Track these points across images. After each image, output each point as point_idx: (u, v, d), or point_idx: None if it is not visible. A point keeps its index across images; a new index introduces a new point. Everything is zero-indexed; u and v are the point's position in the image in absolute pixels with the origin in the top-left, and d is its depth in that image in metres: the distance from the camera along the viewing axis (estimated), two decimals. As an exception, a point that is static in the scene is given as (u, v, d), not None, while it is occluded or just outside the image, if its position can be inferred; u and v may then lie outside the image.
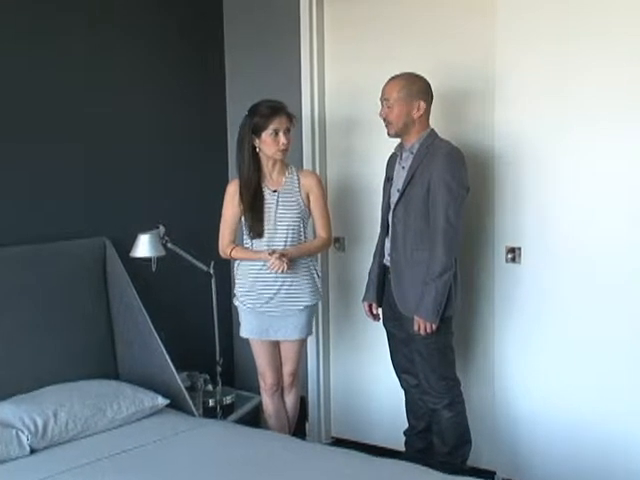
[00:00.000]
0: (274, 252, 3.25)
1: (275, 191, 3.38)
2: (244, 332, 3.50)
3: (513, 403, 3.56)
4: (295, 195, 3.39)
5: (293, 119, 3.35)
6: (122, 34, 3.77)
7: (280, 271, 3.24)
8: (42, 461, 2.73)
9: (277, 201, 3.37)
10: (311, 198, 3.41)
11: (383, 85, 3.21)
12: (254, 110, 3.33)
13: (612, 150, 3.19)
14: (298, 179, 3.41)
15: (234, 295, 3.53)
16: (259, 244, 3.39)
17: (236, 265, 3.51)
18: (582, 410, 3.36)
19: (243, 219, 3.42)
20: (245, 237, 3.45)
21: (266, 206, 3.37)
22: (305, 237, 3.45)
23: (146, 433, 2.98)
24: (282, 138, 3.29)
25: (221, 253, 3.48)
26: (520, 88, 3.36)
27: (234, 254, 3.43)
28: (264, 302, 3.40)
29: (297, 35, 4.00)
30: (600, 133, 3.21)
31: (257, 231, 3.37)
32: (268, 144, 3.31)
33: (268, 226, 3.37)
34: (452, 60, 3.56)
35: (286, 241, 3.36)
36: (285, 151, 3.33)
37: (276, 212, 3.36)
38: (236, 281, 3.50)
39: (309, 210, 3.43)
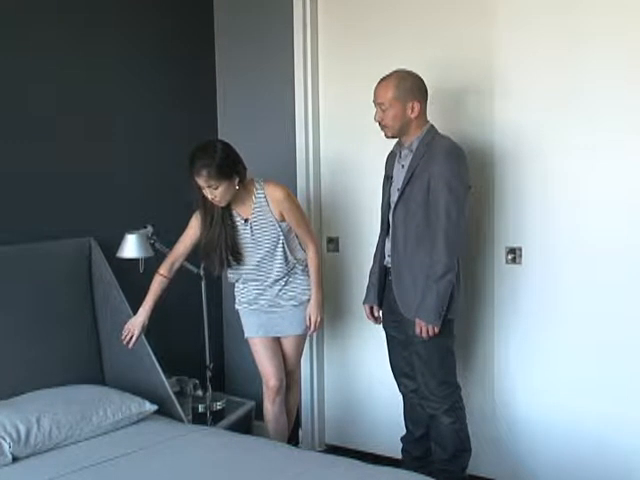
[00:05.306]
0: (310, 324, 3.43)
1: (246, 220, 3.31)
2: (247, 332, 3.49)
3: (514, 409, 3.52)
4: (267, 218, 3.30)
5: (211, 178, 3.08)
6: (108, 30, 3.69)
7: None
8: (25, 469, 2.66)
9: (251, 230, 3.31)
10: (284, 213, 3.30)
11: (374, 87, 3.13)
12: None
13: (614, 148, 3.18)
14: (266, 199, 3.29)
15: (236, 301, 3.51)
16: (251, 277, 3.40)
17: (233, 281, 3.49)
18: (585, 416, 3.32)
19: (221, 264, 3.35)
20: (233, 278, 3.47)
21: (241, 236, 3.32)
22: (296, 250, 3.39)
23: (133, 440, 2.92)
24: (208, 194, 3.16)
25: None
26: (520, 84, 3.35)
27: (154, 281, 3.35)
28: (265, 307, 3.42)
29: (291, 29, 3.93)
30: (602, 130, 3.19)
31: (238, 260, 3.36)
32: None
33: (247, 256, 3.35)
34: (452, 56, 3.51)
35: (273, 266, 3.35)
36: (221, 201, 3.19)
37: (252, 240, 3.31)
38: (236, 292, 3.50)
39: (287, 223, 3.35)
